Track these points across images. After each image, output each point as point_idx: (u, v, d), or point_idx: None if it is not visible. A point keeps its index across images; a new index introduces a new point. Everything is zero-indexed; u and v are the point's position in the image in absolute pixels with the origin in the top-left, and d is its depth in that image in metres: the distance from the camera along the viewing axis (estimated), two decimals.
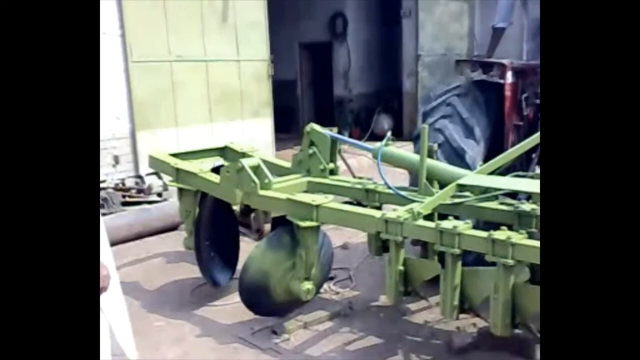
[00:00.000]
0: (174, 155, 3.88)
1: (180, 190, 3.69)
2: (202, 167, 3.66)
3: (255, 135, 7.93)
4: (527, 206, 2.81)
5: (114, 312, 2.39)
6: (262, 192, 3.23)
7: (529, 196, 2.96)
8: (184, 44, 6.82)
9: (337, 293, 3.78)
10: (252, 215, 3.63)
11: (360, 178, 3.60)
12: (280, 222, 3.28)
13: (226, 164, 3.57)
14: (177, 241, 4.95)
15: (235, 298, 3.47)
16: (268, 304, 3.26)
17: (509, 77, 3.85)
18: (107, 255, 2.46)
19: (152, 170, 4.87)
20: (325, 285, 3.75)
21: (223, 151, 4.21)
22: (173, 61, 6.74)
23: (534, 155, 3.83)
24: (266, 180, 3.28)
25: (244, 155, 3.80)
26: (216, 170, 3.53)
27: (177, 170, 3.61)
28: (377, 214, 2.81)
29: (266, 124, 8.09)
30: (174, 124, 6.87)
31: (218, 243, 3.58)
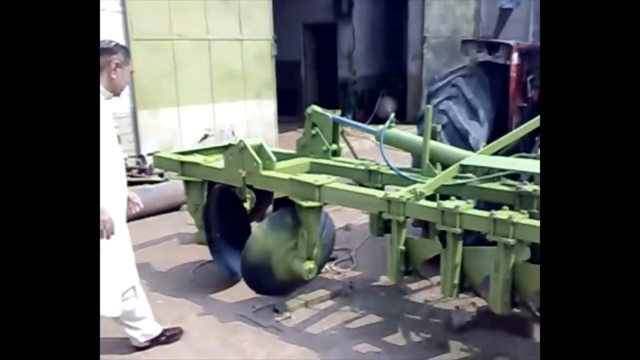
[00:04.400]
0: (178, 153, 3.84)
1: (186, 184, 3.64)
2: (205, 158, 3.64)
3: (258, 116, 7.89)
4: (529, 187, 2.80)
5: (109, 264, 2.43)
6: (264, 172, 3.23)
7: (531, 177, 2.95)
8: (186, 22, 6.74)
9: (338, 273, 3.81)
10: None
11: (362, 160, 3.58)
12: (282, 203, 3.29)
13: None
14: (178, 222, 4.98)
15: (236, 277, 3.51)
16: (270, 283, 3.29)
17: (515, 58, 3.80)
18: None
19: (153, 150, 4.85)
20: (326, 266, 3.77)
21: (227, 149, 4.18)
22: (175, 39, 6.67)
23: (537, 138, 3.80)
24: (268, 161, 3.28)
25: None
26: None
27: (182, 163, 3.59)
28: (379, 194, 2.80)
29: (269, 105, 8.03)
30: (176, 104, 6.84)
31: (229, 233, 3.52)
